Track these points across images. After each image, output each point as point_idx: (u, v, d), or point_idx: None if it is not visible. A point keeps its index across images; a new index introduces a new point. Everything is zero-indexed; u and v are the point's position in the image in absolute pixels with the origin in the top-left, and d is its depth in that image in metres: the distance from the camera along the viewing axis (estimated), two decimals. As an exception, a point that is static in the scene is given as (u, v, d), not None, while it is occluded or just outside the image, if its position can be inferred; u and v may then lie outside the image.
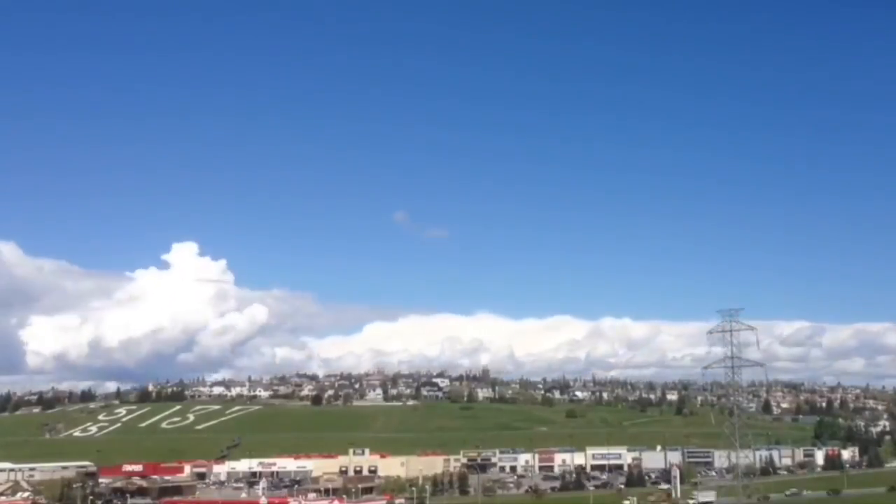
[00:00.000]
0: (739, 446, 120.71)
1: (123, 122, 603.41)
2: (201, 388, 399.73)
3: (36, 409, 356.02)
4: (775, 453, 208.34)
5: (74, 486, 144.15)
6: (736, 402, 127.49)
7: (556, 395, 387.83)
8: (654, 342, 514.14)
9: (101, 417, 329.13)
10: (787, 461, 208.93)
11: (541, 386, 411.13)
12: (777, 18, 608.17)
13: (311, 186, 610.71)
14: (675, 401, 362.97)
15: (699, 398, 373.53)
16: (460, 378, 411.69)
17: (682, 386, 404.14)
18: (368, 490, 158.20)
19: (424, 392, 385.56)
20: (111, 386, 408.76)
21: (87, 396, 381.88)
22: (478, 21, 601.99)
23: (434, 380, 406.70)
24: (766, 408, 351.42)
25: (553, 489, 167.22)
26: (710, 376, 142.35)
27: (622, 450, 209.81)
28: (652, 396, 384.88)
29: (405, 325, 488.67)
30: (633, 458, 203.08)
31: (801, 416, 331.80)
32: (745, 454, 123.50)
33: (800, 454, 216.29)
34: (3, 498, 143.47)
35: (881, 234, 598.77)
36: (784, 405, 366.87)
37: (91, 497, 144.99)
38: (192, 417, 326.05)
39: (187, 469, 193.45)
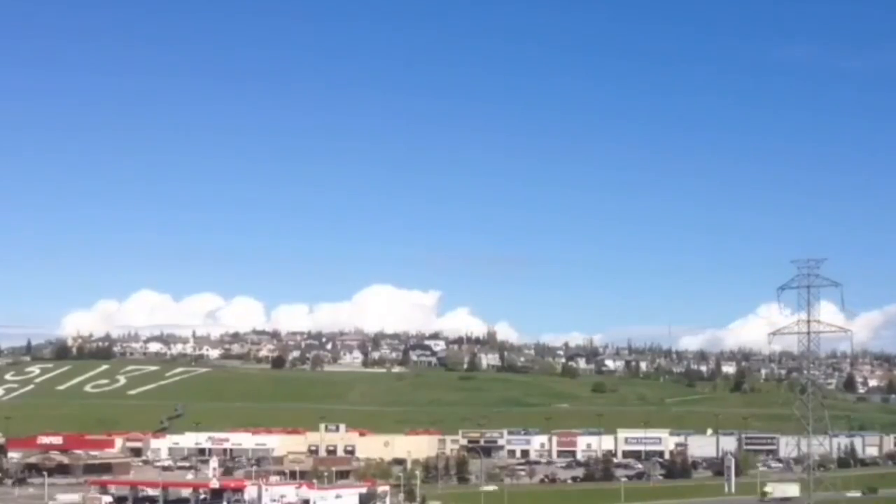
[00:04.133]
0: (813, 431, 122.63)
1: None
2: (133, 345, 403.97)
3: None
4: (858, 441, 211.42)
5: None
6: (811, 376, 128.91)
7: (581, 364, 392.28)
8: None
9: (8, 377, 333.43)
10: (872, 450, 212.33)
11: (561, 352, 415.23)
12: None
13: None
14: (733, 374, 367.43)
15: (763, 371, 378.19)
16: (459, 341, 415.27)
17: (741, 356, 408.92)
18: (344, 474, 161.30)
19: (414, 357, 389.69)
20: (19, 339, 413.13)
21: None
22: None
23: (426, 342, 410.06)
24: (850, 384, 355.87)
25: (575, 479, 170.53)
26: (779, 345, 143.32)
27: (663, 433, 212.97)
28: (703, 368, 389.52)
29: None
30: (677, 444, 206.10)
31: (893, 396, 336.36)
32: (820, 441, 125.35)
33: (889, 442, 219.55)
34: None
35: None
36: (872, 382, 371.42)
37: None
38: (122, 380, 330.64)
39: (118, 443, 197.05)
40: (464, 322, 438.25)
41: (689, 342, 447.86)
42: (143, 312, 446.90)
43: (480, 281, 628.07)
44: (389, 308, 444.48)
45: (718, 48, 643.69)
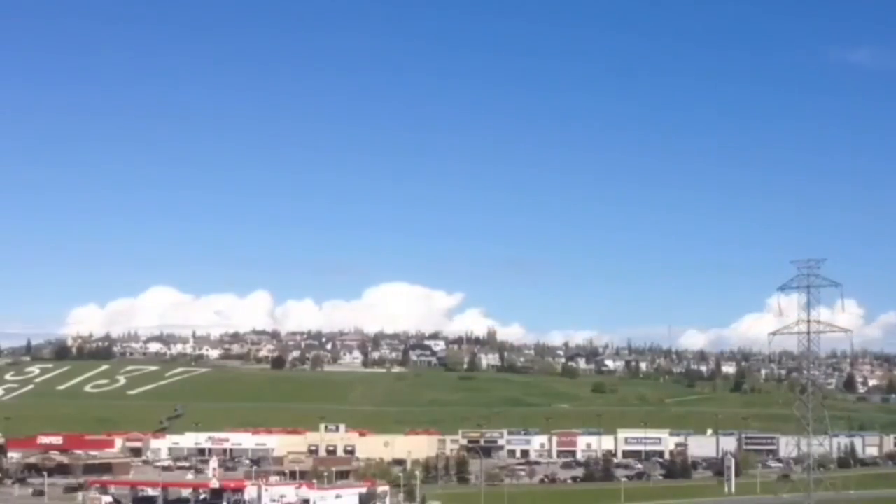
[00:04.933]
0: (813, 431, 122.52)
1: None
2: (133, 345, 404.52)
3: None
4: (858, 441, 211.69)
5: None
6: (811, 376, 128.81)
7: (581, 364, 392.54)
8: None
9: (8, 377, 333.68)
10: (872, 450, 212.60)
11: (561, 353, 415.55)
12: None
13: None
14: (733, 374, 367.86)
15: (763, 371, 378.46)
16: (459, 341, 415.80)
17: (741, 356, 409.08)
18: (344, 474, 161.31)
19: (414, 357, 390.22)
20: (19, 338, 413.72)
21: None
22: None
23: (426, 342, 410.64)
24: (850, 384, 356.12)
25: (574, 479, 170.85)
26: (779, 345, 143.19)
27: (663, 433, 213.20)
28: (703, 368, 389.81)
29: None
30: (677, 444, 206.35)
31: (893, 396, 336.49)
32: (820, 441, 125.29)
33: (889, 442, 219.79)
34: None
35: None
36: (872, 382, 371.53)
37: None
38: (122, 380, 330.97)
39: (118, 443, 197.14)
40: (480, 323, 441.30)
41: (695, 341, 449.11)
42: (155, 310, 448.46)
43: (495, 283, 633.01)
44: (407, 307, 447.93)
45: (718, 57, 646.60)
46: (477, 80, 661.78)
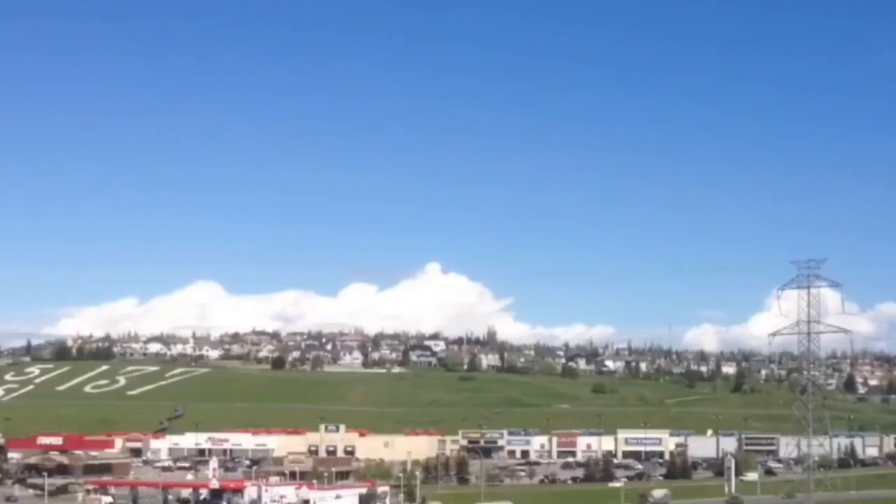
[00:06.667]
0: (813, 432, 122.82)
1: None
2: (133, 345, 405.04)
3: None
4: (858, 441, 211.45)
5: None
6: (811, 377, 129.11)
7: (582, 364, 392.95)
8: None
9: (8, 378, 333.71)
10: (872, 451, 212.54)
11: (562, 353, 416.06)
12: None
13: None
14: (733, 375, 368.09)
15: (763, 372, 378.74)
16: (459, 341, 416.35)
17: (741, 356, 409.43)
18: (344, 475, 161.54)
19: (414, 357, 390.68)
20: (19, 338, 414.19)
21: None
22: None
23: (426, 342, 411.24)
24: (850, 385, 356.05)
25: (575, 479, 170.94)
26: (779, 345, 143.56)
27: (663, 434, 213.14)
28: (703, 369, 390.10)
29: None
30: (677, 445, 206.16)
31: (893, 396, 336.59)
32: (820, 442, 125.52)
33: (890, 443, 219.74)
34: None
35: None
36: (873, 382, 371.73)
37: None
38: (122, 381, 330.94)
39: (118, 443, 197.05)
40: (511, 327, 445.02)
41: (699, 341, 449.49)
42: (186, 308, 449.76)
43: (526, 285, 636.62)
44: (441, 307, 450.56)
45: (720, 57, 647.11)
46: (474, 78, 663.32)
